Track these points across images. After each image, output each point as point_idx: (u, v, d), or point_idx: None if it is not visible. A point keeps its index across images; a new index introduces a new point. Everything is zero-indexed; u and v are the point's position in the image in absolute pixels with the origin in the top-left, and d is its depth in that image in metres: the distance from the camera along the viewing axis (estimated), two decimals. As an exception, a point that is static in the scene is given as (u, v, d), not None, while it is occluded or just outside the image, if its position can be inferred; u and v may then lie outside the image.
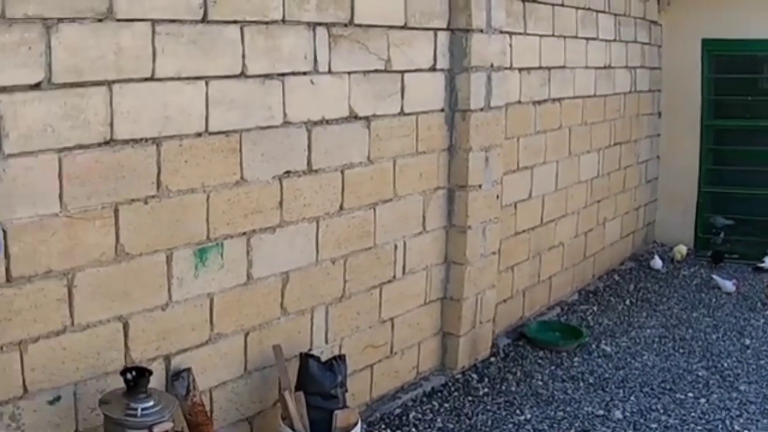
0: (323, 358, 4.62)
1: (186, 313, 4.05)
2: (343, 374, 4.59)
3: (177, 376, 4.03)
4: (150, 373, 3.55)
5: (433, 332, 5.75)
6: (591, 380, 5.99)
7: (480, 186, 5.67)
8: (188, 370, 4.06)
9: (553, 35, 6.82)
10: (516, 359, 6.34)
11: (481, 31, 5.52)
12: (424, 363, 5.76)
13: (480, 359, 6.14)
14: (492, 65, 5.65)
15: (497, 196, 5.91)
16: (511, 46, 6.15)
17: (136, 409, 3.45)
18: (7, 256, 3.33)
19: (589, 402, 5.62)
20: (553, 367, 6.21)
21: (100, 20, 3.55)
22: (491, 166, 5.76)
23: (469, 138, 5.52)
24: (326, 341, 4.88)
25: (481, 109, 5.59)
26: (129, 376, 3.51)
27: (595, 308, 7.62)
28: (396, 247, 5.26)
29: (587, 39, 7.41)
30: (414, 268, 5.43)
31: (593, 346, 6.66)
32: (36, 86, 3.37)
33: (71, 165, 3.51)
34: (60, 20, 3.41)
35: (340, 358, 4.63)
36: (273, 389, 4.55)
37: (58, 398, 3.59)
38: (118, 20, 3.61)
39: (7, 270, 3.36)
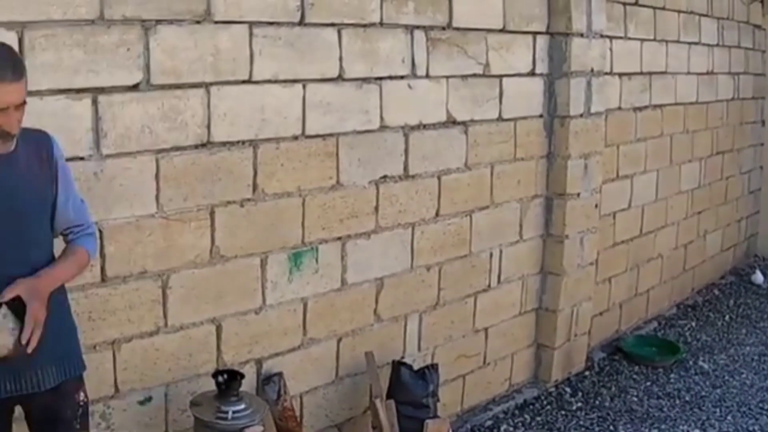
0: (415, 367, 4.52)
1: (279, 317, 4.00)
2: (435, 383, 4.49)
3: (268, 381, 3.98)
4: (242, 376, 3.49)
5: (527, 344, 5.59)
6: (687, 398, 5.74)
7: (578, 194, 5.49)
8: (279, 374, 4.01)
9: (654, 39, 6.58)
10: (611, 374, 6.12)
11: (582, 35, 5.34)
12: (517, 375, 5.60)
13: (574, 373, 5.94)
14: (592, 70, 5.47)
15: (596, 206, 5.71)
16: (611, 50, 5.95)
17: (227, 412, 3.39)
18: (102, 255, 3.32)
19: (685, 420, 5.38)
20: (648, 383, 5.98)
21: (197, 22, 3.52)
22: (590, 174, 5.57)
23: (568, 145, 5.35)
24: (419, 349, 4.77)
25: (581, 116, 5.42)
26: (221, 378, 3.46)
27: (693, 323, 7.33)
28: (492, 255, 5.12)
29: (689, 44, 7.13)
30: (510, 277, 5.28)
31: (690, 362, 6.40)
32: (134, 87, 3.35)
33: (168, 166, 3.48)
34: (158, 22, 3.39)
35: (433, 367, 4.53)
36: (363, 396, 4.47)
37: (149, 399, 3.57)
38: (216, 22, 3.58)
39: (103, 270, 3.36)
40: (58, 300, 2.76)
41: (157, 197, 3.47)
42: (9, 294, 2.54)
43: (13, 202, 2.60)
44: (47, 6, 3.08)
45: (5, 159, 2.62)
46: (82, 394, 2.89)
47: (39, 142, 2.74)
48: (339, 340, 4.31)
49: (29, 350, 2.57)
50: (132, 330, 3.49)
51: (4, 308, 2.52)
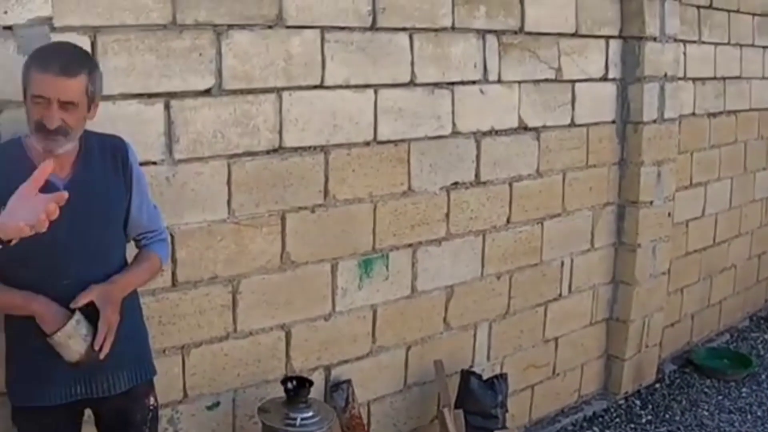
0: (484, 376, 4.42)
1: (349, 324, 3.93)
2: (504, 394, 4.38)
3: (336, 388, 3.92)
4: (311, 383, 3.44)
5: (597, 354, 5.44)
6: (759, 413, 5.53)
7: (651, 202, 5.32)
8: (348, 381, 3.95)
9: (728, 44, 6.36)
10: (681, 387, 5.93)
11: (655, 39, 5.18)
12: (587, 386, 5.45)
13: (644, 385, 5.76)
14: (665, 75, 5.31)
15: (669, 214, 5.54)
16: (684, 54, 5.76)
17: (295, 419, 3.35)
18: (173, 260, 3.29)
19: (757, 436, 5.20)
20: (720, 397, 5.78)
21: (269, 27, 3.47)
22: (663, 182, 5.40)
23: (642, 151, 5.19)
24: (488, 359, 4.67)
25: (654, 121, 5.26)
26: (290, 385, 3.42)
27: (766, 336, 7.08)
28: (563, 264, 4.99)
29: (765, 47, 6.90)
30: (580, 286, 5.14)
31: (763, 376, 6.16)
32: (206, 92, 3.32)
33: (240, 172, 3.44)
34: (230, 27, 3.36)
35: (502, 377, 4.42)
36: (431, 405, 4.38)
37: (216, 404, 3.54)
38: (288, 27, 3.53)
39: (173, 274, 3.33)
40: (130, 305, 2.74)
41: (228, 202, 3.43)
42: (83, 299, 2.52)
43: (87, 208, 2.58)
44: (120, 11, 3.06)
45: (80, 164, 2.60)
46: (152, 398, 2.89)
47: (114, 147, 2.71)
48: (408, 348, 4.23)
49: (102, 356, 2.55)
50: (201, 335, 3.45)
51: (78, 314, 2.51)
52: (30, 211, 1.99)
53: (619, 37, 5.13)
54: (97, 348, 2.54)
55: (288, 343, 3.73)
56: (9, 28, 2.73)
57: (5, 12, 2.71)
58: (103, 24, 3.03)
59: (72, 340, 2.51)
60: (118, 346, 2.61)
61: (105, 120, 2.77)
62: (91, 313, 2.54)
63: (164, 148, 3.23)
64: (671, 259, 5.80)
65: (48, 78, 2.43)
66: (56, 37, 2.82)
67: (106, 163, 2.68)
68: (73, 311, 2.51)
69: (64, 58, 2.48)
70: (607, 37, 5.05)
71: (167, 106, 3.22)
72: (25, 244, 2.51)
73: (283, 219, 3.61)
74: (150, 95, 3.17)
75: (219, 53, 3.33)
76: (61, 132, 2.47)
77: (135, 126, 3.09)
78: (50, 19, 2.81)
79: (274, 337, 3.68)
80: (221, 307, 3.49)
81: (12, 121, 2.76)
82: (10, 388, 2.71)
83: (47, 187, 2.54)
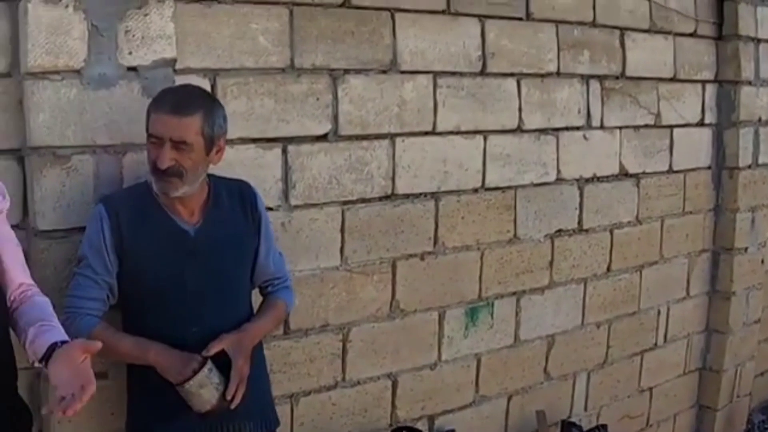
0: (584, 427, 4.18)
1: (453, 373, 3.73)
2: (605, 445, 4.14)
3: (440, 438, 3.71)
4: (421, 434, 3.25)
5: (689, 404, 5.15)
6: None
7: (746, 249, 5.06)
8: (451, 431, 3.73)
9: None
10: (771, 436, 5.63)
11: (750, 83, 4.95)
12: (678, 436, 5.18)
13: (734, 435, 5.47)
14: (759, 119, 5.07)
15: (762, 260, 5.27)
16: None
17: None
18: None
19: None
20: (811, 448, 5.47)
21: (384, 72, 3.33)
22: (757, 228, 5.13)
23: (737, 197, 4.94)
24: (585, 409, 4.41)
25: (749, 167, 5.01)
26: (401, 435, 3.23)
27: None
28: (659, 312, 4.73)
29: None
30: (675, 335, 4.88)
31: None
32: (322, 138, 3.17)
33: (353, 218, 3.28)
34: (346, 71, 3.22)
35: (603, 428, 4.19)
36: (531, 456, 4.14)
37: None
38: (402, 72, 3.38)
39: (286, 322, 3.16)
40: (257, 354, 2.58)
41: (341, 249, 3.27)
42: (215, 348, 2.37)
43: (217, 254, 2.43)
44: (240, 53, 2.95)
45: (210, 209, 2.46)
46: None
47: (242, 192, 2.57)
48: (509, 398, 4.01)
49: (233, 406, 2.39)
50: (311, 384, 3.28)
51: (209, 363, 2.34)
52: (69, 381, 1.88)
53: (715, 81, 4.91)
54: (229, 398, 2.37)
55: (394, 393, 3.54)
56: (134, 69, 2.60)
57: (129, 52, 2.59)
58: (223, 67, 2.91)
59: (204, 389, 2.35)
60: (246, 395, 2.44)
61: (223, 164, 2.60)
62: (223, 363, 2.38)
63: (281, 194, 3.08)
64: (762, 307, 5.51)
65: (160, 117, 2.31)
66: (178, 80, 2.70)
67: (235, 208, 2.53)
68: (204, 359, 2.35)
69: (178, 97, 2.36)
70: (704, 82, 4.82)
71: (285, 151, 3.08)
72: (154, 290, 2.38)
73: (393, 266, 3.44)
74: (267, 140, 3.03)
75: (335, 98, 3.18)
76: (174, 173, 2.33)
77: (252, 171, 2.95)
78: (174, 60, 2.69)
79: (381, 386, 3.49)
80: (331, 356, 3.31)
81: (135, 163, 2.63)
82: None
83: (177, 233, 2.41)
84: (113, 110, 2.55)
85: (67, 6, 2.46)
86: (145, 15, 2.59)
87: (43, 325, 2.06)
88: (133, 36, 2.58)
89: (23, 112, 2.50)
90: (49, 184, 2.49)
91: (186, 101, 2.35)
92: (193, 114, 2.33)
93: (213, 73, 2.88)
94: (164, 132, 2.29)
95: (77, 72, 2.50)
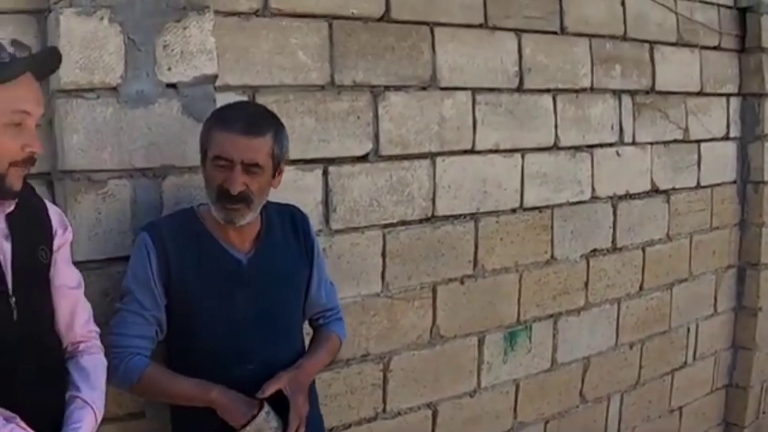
0: (619, 451, 3.93)
1: (492, 400, 3.47)
2: (640, 469, 3.89)
3: (478, 468, 3.44)
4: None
5: (716, 422, 4.91)
6: None
7: (771, 264, 4.83)
8: (488, 460, 3.47)
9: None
10: (793, 451, 5.39)
11: (772, 96, 4.74)
12: (706, 454, 4.92)
13: (759, 451, 5.23)
14: (781, 133, 4.85)
15: (786, 275, 5.04)
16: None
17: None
18: (326, 338, 2.85)
19: None
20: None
21: (423, 89, 3.08)
22: (780, 243, 4.92)
23: (763, 212, 4.71)
24: (618, 430, 4.16)
25: (773, 181, 4.79)
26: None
27: None
28: (689, 330, 4.48)
29: None
30: (704, 353, 4.63)
31: None
32: (363, 158, 2.91)
33: (394, 242, 3.02)
34: (386, 88, 2.97)
35: (638, 451, 3.93)
36: (565, 482, 3.88)
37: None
38: (441, 89, 3.13)
39: (326, 353, 2.87)
40: (311, 392, 2.31)
41: (382, 275, 3.01)
42: (272, 388, 2.09)
43: (271, 285, 2.17)
44: (279, 69, 2.70)
45: (263, 237, 2.19)
46: None
47: (294, 218, 2.31)
48: (546, 423, 3.74)
49: None
50: (351, 416, 3.01)
51: (267, 406, 2.07)
52: None
53: (738, 94, 4.68)
54: None
55: (434, 423, 3.28)
56: (173, 86, 2.34)
57: (168, 68, 2.32)
58: (262, 83, 2.66)
59: None
60: (303, 436, 2.17)
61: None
62: (280, 403, 2.11)
63: (321, 218, 2.82)
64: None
65: (231, 137, 2.03)
66: (218, 98, 2.43)
67: (287, 235, 2.27)
68: (261, 402, 2.08)
69: (250, 116, 2.09)
70: (728, 95, 4.59)
71: (325, 173, 2.82)
72: (203, 326, 2.11)
73: (434, 291, 3.18)
74: (307, 161, 2.77)
75: (376, 116, 2.92)
76: (242, 199, 2.07)
77: (293, 194, 2.66)
78: (215, 77, 2.42)
79: (421, 416, 3.23)
80: (372, 386, 3.05)
81: (175, 187, 2.36)
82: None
83: (229, 263, 2.15)
84: (152, 131, 2.28)
85: (102, 18, 2.20)
86: (184, 28, 2.32)
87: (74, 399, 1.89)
88: (172, 51, 2.31)
89: (54, 132, 2.24)
90: (83, 211, 2.22)
91: (257, 120, 2.09)
92: (265, 134, 2.08)
93: (252, 90, 2.63)
94: (236, 154, 2.03)
95: (113, 89, 2.23)
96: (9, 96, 1.67)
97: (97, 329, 2.06)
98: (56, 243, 1.94)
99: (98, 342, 2.06)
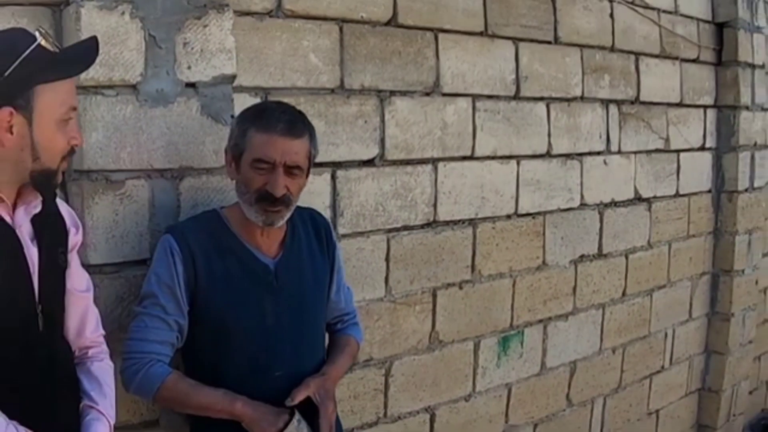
0: (602, 454, 3.91)
1: (486, 403, 3.43)
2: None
3: (471, 471, 3.39)
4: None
5: (689, 425, 4.93)
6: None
7: (743, 271, 4.87)
8: (480, 464, 3.43)
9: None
10: (759, 453, 5.44)
11: (747, 108, 4.78)
12: (678, 457, 4.94)
13: (728, 453, 5.26)
14: (755, 144, 4.90)
15: (756, 282, 5.09)
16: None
17: None
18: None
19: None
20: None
21: (427, 94, 3.03)
22: (753, 250, 4.95)
23: (736, 221, 4.75)
24: (600, 434, 4.16)
25: (746, 190, 4.83)
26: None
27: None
28: (666, 335, 4.50)
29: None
30: (680, 357, 4.65)
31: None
32: (368, 162, 2.85)
33: (398, 247, 2.97)
34: (392, 93, 2.91)
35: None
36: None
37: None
38: (444, 95, 3.09)
39: (330, 359, 2.81)
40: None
41: (386, 280, 2.95)
42: (300, 395, 2.01)
43: (297, 290, 2.09)
44: (291, 71, 2.63)
45: (289, 241, 2.12)
46: None
47: (316, 222, 2.23)
48: (535, 427, 3.72)
49: None
50: (353, 422, 2.94)
51: (297, 414, 1.99)
52: None
53: (714, 106, 4.72)
54: None
55: (432, 427, 3.22)
56: (192, 85, 2.25)
57: (188, 67, 2.24)
58: (275, 85, 2.59)
59: None
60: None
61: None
62: (307, 410, 2.03)
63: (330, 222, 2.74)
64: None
65: (273, 139, 1.95)
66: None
67: (311, 240, 2.19)
68: (290, 410, 2.00)
69: (287, 117, 2.01)
70: (705, 107, 4.63)
71: (333, 177, 2.75)
72: (230, 332, 2.03)
73: (434, 296, 3.13)
74: (317, 164, 2.68)
75: (382, 121, 2.87)
76: (283, 202, 1.99)
77: (302, 197, 2.58)
78: (234, 77, 2.34)
79: (420, 420, 3.18)
80: (374, 391, 2.98)
81: (193, 189, 2.28)
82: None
83: (258, 268, 2.07)
84: (171, 130, 2.20)
85: (123, 13, 2.10)
86: (205, 26, 2.24)
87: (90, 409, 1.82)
88: (192, 49, 2.23)
89: (70, 131, 2.13)
90: (101, 212, 2.12)
91: (295, 121, 2.02)
92: (303, 136, 2.01)
93: (264, 92, 2.55)
94: (278, 156, 1.96)
95: (133, 87, 2.14)
96: (66, 91, 1.59)
97: (104, 332, 1.97)
98: (69, 244, 1.85)
99: (105, 346, 1.97)
